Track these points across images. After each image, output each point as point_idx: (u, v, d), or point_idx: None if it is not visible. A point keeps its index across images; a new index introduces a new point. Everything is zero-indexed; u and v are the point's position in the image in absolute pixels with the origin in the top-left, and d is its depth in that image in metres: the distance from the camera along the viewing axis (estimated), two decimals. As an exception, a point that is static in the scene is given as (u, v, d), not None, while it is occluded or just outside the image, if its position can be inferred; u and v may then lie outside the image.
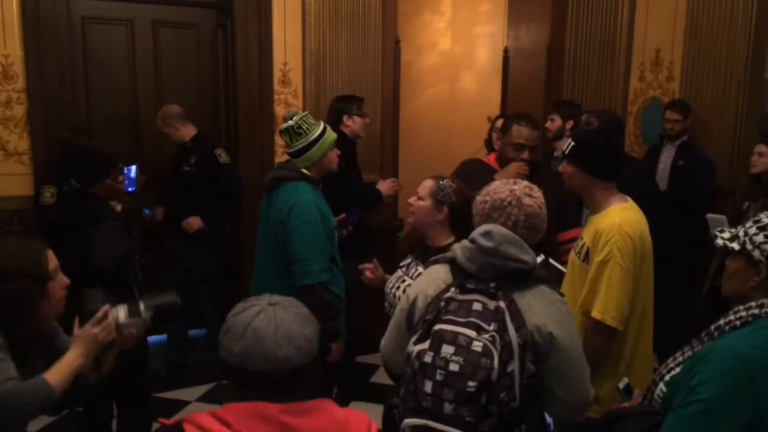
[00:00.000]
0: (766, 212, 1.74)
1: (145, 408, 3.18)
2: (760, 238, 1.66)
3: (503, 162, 3.34)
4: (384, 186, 4.32)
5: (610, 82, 5.22)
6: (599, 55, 5.24)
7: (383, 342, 2.18)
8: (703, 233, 3.87)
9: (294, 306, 1.47)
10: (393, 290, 2.65)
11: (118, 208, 3.24)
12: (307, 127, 3.01)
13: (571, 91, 5.35)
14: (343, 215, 3.67)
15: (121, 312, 2.08)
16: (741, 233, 1.72)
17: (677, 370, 1.76)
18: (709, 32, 4.67)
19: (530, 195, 2.02)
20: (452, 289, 1.88)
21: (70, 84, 4.26)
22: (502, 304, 1.79)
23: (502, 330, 1.75)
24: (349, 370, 4.25)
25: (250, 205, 4.45)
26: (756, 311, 1.64)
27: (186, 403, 4.14)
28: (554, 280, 2.67)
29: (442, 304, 1.85)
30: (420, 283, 2.06)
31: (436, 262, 2.08)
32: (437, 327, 1.79)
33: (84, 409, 3.17)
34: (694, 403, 1.58)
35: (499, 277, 1.84)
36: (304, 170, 3.03)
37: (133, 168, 3.34)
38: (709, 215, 3.89)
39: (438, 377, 1.73)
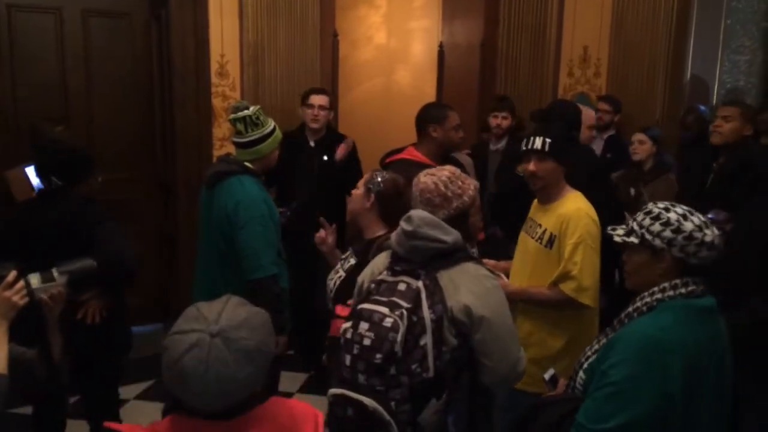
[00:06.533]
0: (655, 202, 1.81)
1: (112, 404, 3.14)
2: (656, 227, 1.74)
3: (449, 146, 3.47)
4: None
5: (541, 78, 5.38)
6: (530, 52, 5.39)
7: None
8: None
9: (240, 338, 1.33)
10: (329, 282, 2.71)
11: None
12: (263, 119, 2.99)
13: (504, 86, 5.48)
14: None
15: (33, 279, 2.07)
16: (635, 226, 1.79)
17: (594, 357, 1.84)
18: (634, 29, 4.88)
19: (430, 174, 2.15)
20: (384, 272, 2.03)
21: (-4, 75, 4.09)
22: (421, 283, 1.93)
23: (416, 307, 1.90)
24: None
25: (188, 199, 4.39)
26: (659, 296, 1.75)
27: (125, 401, 4.04)
28: None
29: (373, 286, 2.01)
30: (367, 269, 2.20)
31: (382, 249, 2.22)
32: (359, 306, 1.95)
33: (35, 409, 3.06)
34: (607, 386, 1.66)
35: (425, 258, 1.98)
36: (247, 163, 3.00)
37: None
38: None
39: (355, 351, 1.90)
